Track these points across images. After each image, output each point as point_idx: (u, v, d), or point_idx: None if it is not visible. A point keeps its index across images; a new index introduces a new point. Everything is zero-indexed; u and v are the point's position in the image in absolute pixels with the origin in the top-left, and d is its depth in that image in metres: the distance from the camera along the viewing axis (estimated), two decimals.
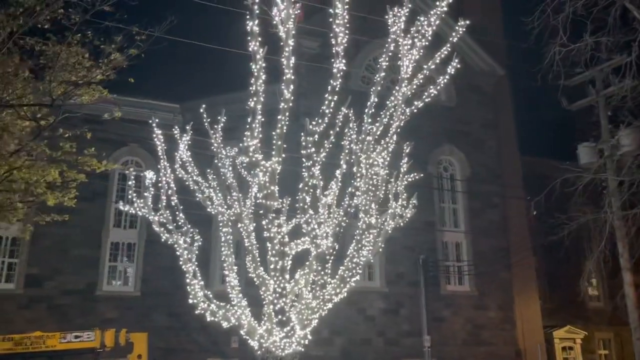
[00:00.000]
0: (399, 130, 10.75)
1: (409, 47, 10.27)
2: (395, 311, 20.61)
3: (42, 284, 20.72)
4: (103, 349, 16.83)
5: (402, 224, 11.97)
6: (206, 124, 10.54)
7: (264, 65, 8.58)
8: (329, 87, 9.02)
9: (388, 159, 11.42)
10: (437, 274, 21.62)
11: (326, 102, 9.07)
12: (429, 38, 10.44)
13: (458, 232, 22.97)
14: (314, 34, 21.76)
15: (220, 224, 10.70)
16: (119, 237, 22.18)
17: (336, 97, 9.10)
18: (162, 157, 10.00)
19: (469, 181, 23.45)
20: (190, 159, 10.73)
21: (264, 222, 9.15)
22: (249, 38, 8.39)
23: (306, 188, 9.23)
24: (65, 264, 21.06)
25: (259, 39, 8.47)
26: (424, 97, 10.52)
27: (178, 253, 10.29)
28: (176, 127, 10.69)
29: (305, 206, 9.29)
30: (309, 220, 9.36)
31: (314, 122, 9.08)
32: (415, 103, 10.64)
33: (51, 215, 10.89)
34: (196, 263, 10.61)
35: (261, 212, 9.16)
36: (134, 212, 10.56)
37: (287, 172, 12.05)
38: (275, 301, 9.44)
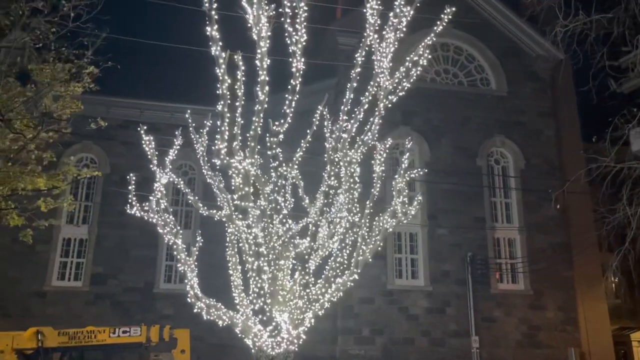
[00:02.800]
0: (377, 127, 10.36)
1: (386, 40, 9.92)
2: (440, 310, 19.97)
3: (106, 282, 22.35)
4: (149, 344, 17.91)
5: (405, 221, 11.60)
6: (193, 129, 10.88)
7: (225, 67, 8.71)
8: (289, 87, 8.96)
9: (384, 155, 11.14)
10: (487, 272, 20.66)
11: (287, 102, 9.03)
12: (404, 30, 10.02)
13: (511, 228, 21.79)
14: (351, 31, 21.61)
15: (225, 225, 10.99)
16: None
17: (297, 96, 9.01)
18: (154, 160, 10.48)
19: (523, 174, 22.18)
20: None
21: (241, 224, 9.32)
22: (210, 43, 8.58)
23: (276, 188, 9.27)
24: (126, 264, 22.58)
25: (220, 43, 8.63)
26: (400, 87, 10.10)
27: (175, 253, 10.74)
28: (177, 131, 11.18)
29: (278, 207, 9.33)
30: (284, 220, 9.39)
31: (277, 123, 9.08)
32: (391, 96, 10.20)
33: (48, 220, 11.78)
34: (196, 262, 11.00)
35: (236, 213, 9.34)
36: (139, 215, 11.19)
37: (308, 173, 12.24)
38: (255, 301, 9.57)
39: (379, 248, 11.09)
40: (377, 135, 10.36)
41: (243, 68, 9.33)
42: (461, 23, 22.86)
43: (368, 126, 10.36)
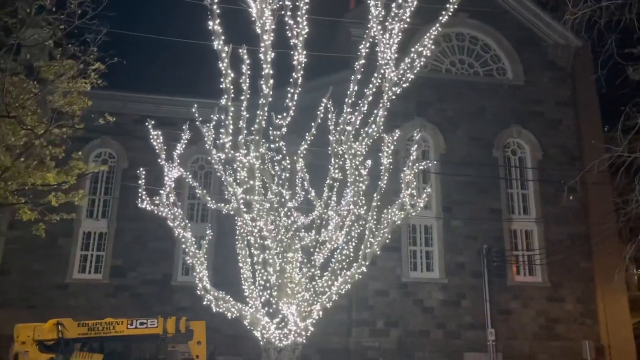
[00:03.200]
0: (382, 119, 10.28)
1: (390, 31, 9.85)
2: (456, 303, 19.86)
3: (125, 274, 22.75)
4: (166, 335, 18.21)
5: (413, 214, 11.53)
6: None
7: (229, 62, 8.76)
8: (291, 80, 8.96)
9: (391, 148, 11.07)
10: (504, 264, 20.45)
11: (289, 95, 9.03)
12: (408, 20, 9.92)
13: (529, 219, 21.51)
14: (364, 22, 21.46)
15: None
16: (191, 231, 23.61)
17: (298, 89, 9.00)
18: (162, 154, 10.62)
19: (541, 164, 21.84)
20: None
21: (247, 217, 9.41)
22: (213, 37, 8.63)
23: (280, 182, 9.31)
24: (145, 257, 22.94)
25: (223, 37, 8.67)
26: (405, 79, 10.01)
27: (183, 246, 10.89)
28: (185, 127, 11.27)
29: (283, 199, 9.37)
30: (289, 213, 9.44)
31: (279, 116, 9.10)
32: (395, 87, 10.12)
33: (60, 214, 12.02)
34: (205, 256, 11.14)
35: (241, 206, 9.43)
36: (149, 209, 11.35)
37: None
38: (260, 294, 9.66)
39: (387, 240, 11.04)
40: (382, 127, 10.27)
41: (248, 62, 9.40)
42: (477, 12, 22.61)
43: (372, 118, 10.28)
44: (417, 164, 11.54)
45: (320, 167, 11.53)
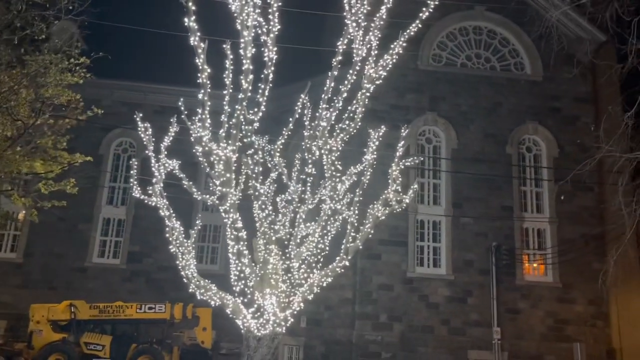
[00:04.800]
0: (360, 115, 10.32)
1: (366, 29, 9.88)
2: (462, 300, 19.72)
3: (142, 260, 23.50)
4: (173, 320, 18.82)
5: (399, 209, 11.57)
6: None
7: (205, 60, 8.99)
8: (262, 76, 9.12)
9: (376, 143, 11.12)
10: (513, 263, 20.14)
11: (260, 91, 9.19)
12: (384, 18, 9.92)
13: (542, 218, 21.08)
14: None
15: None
16: (207, 220, 24.17)
17: (269, 85, 9.15)
18: (150, 146, 11.00)
19: (557, 162, 21.34)
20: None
21: (221, 209, 9.68)
22: (189, 34, 8.87)
23: (254, 175, 9.51)
24: (160, 243, 23.56)
25: (198, 34, 8.91)
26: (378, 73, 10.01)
27: (167, 235, 11.26)
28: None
29: (257, 193, 9.58)
30: (263, 206, 9.64)
31: (252, 111, 9.27)
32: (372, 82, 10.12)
33: (51, 202, 12.57)
34: (193, 245, 11.49)
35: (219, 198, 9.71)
36: (141, 198, 11.74)
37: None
38: (235, 283, 9.93)
39: (370, 236, 11.15)
40: (360, 123, 10.32)
41: (231, 57, 9.63)
42: (496, 5, 22.14)
43: (348, 114, 10.35)
44: (403, 161, 11.55)
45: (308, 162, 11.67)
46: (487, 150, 21.12)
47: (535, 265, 20.77)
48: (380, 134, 11.33)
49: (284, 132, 10.30)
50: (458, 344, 19.27)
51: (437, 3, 10.07)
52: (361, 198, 10.91)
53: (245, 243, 9.82)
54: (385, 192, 11.19)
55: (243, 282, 10.21)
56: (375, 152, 11.11)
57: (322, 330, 20.50)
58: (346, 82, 10.19)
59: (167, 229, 11.14)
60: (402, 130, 12.08)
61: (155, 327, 19.00)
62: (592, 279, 20.19)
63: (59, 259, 22.92)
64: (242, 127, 9.29)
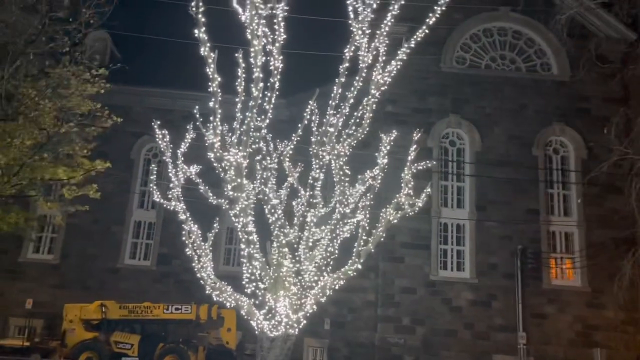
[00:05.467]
0: (368, 120, 10.41)
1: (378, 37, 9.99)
2: (486, 304, 19.53)
3: (171, 261, 24.12)
4: (199, 321, 19.31)
5: (411, 213, 11.63)
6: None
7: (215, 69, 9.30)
8: (269, 84, 9.35)
9: (387, 148, 11.22)
10: (539, 267, 19.83)
11: (266, 99, 9.43)
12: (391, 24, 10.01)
13: (570, 221, 20.67)
14: (401, 19, 21.37)
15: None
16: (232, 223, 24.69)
17: (276, 93, 9.37)
18: (167, 152, 11.43)
19: (585, 164, 20.88)
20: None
21: (231, 213, 9.99)
22: (200, 44, 9.20)
23: (263, 180, 9.75)
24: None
25: (208, 44, 9.23)
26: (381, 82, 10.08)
27: (184, 238, 11.63)
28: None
29: (266, 197, 9.82)
30: (272, 210, 9.88)
31: (259, 118, 9.53)
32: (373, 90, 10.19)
33: (75, 206, 13.14)
34: (210, 248, 11.83)
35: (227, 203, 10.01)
36: (160, 202, 12.16)
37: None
38: (247, 286, 10.20)
39: (382, 239, 11.26)
40: (367, 128, 10.42)
41: (243, 65, 9.94)
42: (521, 5, 21.82)
43: (355, 120, 10.47)
44: (415, 164, 11.60)
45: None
46: (512, 152, 20.86)
47: (562, 269, 20.37)
48: (392, 138, 11.39)
49: (292, 138, 10.53)
50: (482, 348, 19.09)
51: (446, 7, 9.99)
52: (372, 202, 11.02)
53: (257, 246, 10.08)
54: (397, 195, 11.27)
55: (254, 284, 10.46)
56: (386, 157, 11.18)
57: (346, 333, 20.63)
58: (352, 88, 10.28)
59: (183, 232, 11.49)
60: (415, 135, 12.12)
61: (181, 327, 19.52)
62: (623, 283, 19.72)
63: (93, 260, 23.76)
64: (251, 133, 9.55)
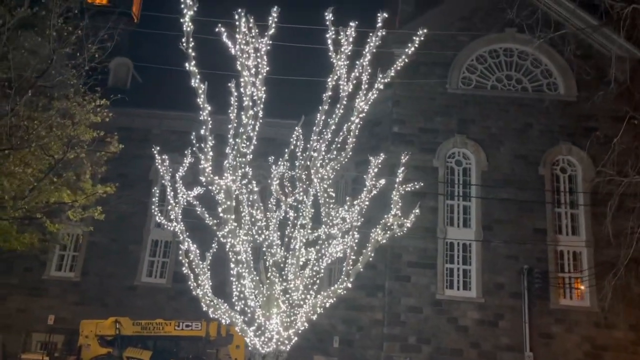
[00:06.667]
0: (351, 145, 10.86)
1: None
2: (492, 323, 19.55)
3: (186, 280, 24.76)
4: (209, 338, 19.86)
5: (399, 233, 11.98)
6: None
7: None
8: (249, 113, 9.92)
9: (375, 170, 11.63)
10: (547, 286, 19.79)
11: (249, 127, 10.01)
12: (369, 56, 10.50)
13: (578, 240, 20.60)
14: (406, 41, 21.90)
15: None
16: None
17: (259, 122, 9.94)
18: (166, 176, 12.13)
19: (593, 183, 20.81)
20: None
21: (219, 234, 10.55)
22: (191, 76, 9.87)
23: (249, 203, 10.29)
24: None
25: (198, 76, 9.91)
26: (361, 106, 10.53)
27: (180, 257, 12.21)
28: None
29: (253, 219, 10.34)
30: (259, 231, 10.39)
31: (244, 145, 10.09)
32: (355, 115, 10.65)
33: (89, 228, 13.87)
34: (208, 267, 12.39)
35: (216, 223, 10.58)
36: (163, 223, 12.83)
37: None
38: (236, 303, 10.68)
39: (370, 259, 11.61)
40: (350, 153, 10.86)
41: (235, 94, 10.60)
42: (527, 27, 22.08)
43: (336, 145, 10.93)
44: (403, 186, 11.96)
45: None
46: (518, 171, 21.00)
47: (571, 288, 20.26)
48: (380, 160, 11.77)
49: (279, 162, 11.08)
50: None
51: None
52: (359, 223, 11.42)
53: (246, 265, 10.60)
54: (386, 216, 11.64)
55: (242, 302, 10.95)
56: (374, 178, 11.59)
57: (354, 351, 20.89)
58: (334, 115, 10.76)
59: (180, 252, 12.08)
60: (402, 157, 12.50)
61: (192, 344, 20.10)
62: (634, 303, 19.55)
63: (111, 277, 24.66)
64: (238, 159, 10.12)
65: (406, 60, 11.60)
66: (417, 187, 12.14)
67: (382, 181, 12.18)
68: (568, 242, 20.60)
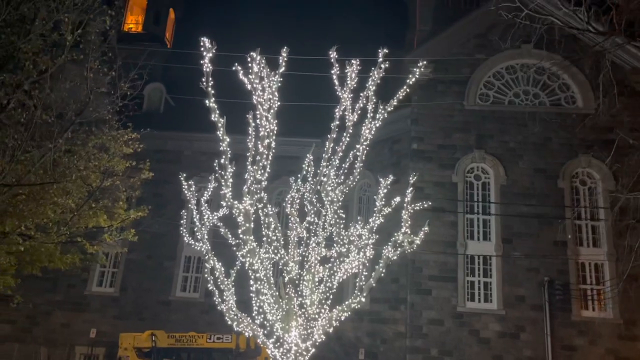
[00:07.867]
0: (359, 169, 11.66)
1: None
2: (514, 335, 19.86)
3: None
4: (238, 350, 20.81)
5: (409, 250, 12.67)
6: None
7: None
8: (262, 148, 10.85)
9: (384, 190, 12.40)
10: (569, 298, 20.00)
11: (264, 155, 10.95)
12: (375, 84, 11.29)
13: (599, 252, 20.75)
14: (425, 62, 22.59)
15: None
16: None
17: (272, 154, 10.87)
18: (192, 200, 13.20)
19: (613, 195, 20.96)
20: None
21: (238, 254, 11.49)
22: (211, 112, 10.91)
23: (265, 225, 11.18)
24: (234, 279, 25.97)
25: (217, 112, 10.94)
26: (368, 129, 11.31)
27: (207, 275, 13.20)
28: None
29: (269, 240, 11.23)
30: (275, 251, 11.27)
31: (260, 172, 11.04)
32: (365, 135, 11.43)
33: (123, 249, 15.02)
34: (233, 283, 13.34)
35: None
36: (191, 243, 13.88)
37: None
38: (256, 317, 11.57)
39: (382, 274, 12.35)
40: (358, 177, 11.66)
41: (253, 124, 11.61)
42: (544, 42, 22.50)
43: (344, 170, 11.73)
44: (413, 205, 12.67)
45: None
46: (538, 185, 21.33)
47: (593, 300, 20.39)
48: (389, 182, 12.55)
49: (292, 186, 11.98)
50: None
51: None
52: (373, 240, 12.18)
53: (265, 282, 11.50)
54: (396, 234, 12.38)
55: (262, 315, 11.85)
56: (383, 199, 12.36)
57: None
58: (341, 143, 11.58)
59: (205, 270, 13.07)
60: (411, 178, 13.23)
61: (223, 355, 21.07)
62: None
63: (147, 293, 25.99)
64: (253, 186, 11.08)
65: (421, 80, 12.34)
66: (427, 205, 12.80)
67: (397, 199, 12.97)
68: (589, 254, 20.76)
